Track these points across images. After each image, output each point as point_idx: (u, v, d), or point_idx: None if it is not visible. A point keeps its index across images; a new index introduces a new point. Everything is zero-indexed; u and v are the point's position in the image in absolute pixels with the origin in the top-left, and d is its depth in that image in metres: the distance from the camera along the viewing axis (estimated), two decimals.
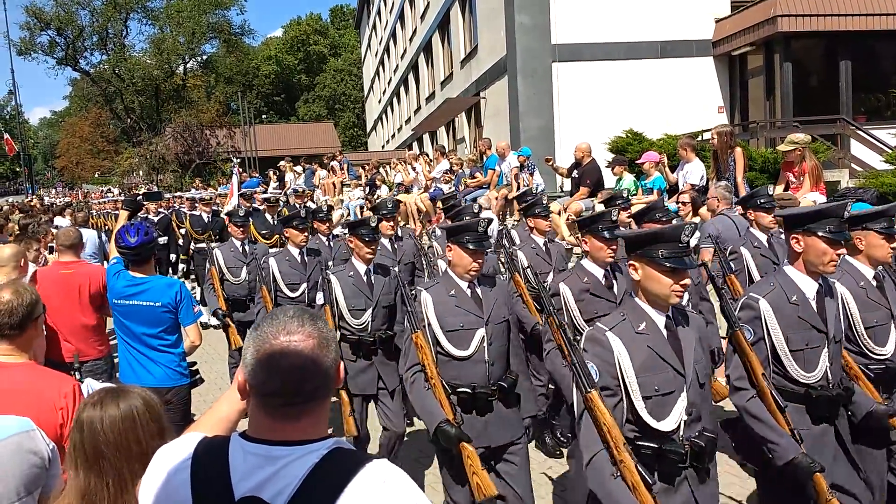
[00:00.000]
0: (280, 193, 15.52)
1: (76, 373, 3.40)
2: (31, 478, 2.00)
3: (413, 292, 3.51)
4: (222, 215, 10.89)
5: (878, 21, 13.35)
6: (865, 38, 13.71)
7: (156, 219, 12.52)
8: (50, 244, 6.71)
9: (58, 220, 12.03)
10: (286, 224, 5.70)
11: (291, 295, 5.42)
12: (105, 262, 9.53)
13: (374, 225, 4.49)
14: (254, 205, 11.61)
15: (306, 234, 5.71)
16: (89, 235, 9.15)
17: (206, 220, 11.04)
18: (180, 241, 13.14)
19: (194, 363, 4.36)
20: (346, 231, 7.13)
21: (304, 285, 5.49)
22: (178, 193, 20.31)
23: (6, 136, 37.60)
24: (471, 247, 3.28)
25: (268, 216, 10.18)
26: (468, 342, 3.31)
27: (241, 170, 16.46)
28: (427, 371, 3.22)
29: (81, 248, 5.06)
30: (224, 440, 1.38)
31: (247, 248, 6.59)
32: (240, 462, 1.32)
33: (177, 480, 1.35)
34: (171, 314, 4.14)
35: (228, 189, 13.83)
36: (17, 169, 60.36)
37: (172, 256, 13.27)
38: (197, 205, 12.95)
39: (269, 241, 9.23)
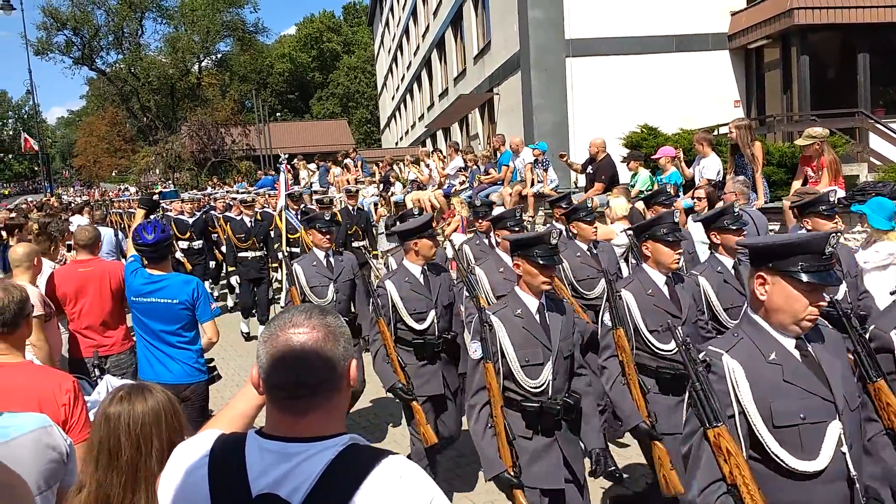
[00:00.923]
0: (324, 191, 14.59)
1: (96, 369, 3.44)
2: (49, 472, 2.02)
3: (705, 357, 2.13)
4: (279, 217, 9.67)
5: None
6: (884, 30, 13.52)
7: (191, 220, 11.21)
8: (68, 242, 6.80)
9: (76, 219, 12.12)
10: (416, 234, 4.32)
11: (418, 327, 4.27)
12: (122, 259, 9.66)
13: (553, 243, 3.13)
14: (303, 207, 10.54)
15: (437, 246, 4.50)
16: (105, 233, 9.25)
17: (250, 225, 9.72)
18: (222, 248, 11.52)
19: (212, 359, 4.41)
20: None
21: (433, 313, 4.31)
22: (210, 191, 18.71)
23: (24, 134, 38.03)
24: (805, 279, 2.04)
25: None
26: (817, 446, 1.99)
27: (289, 166, 14.58)
28: (745, 496, 1.92)
29: (98, 247, 5.13)
30: (241, 437, 1.39)
31: (332, 260, 5.31)
32: (256, 459, 1.33)
33: (195, 477, 1.36)
34: (189, 311, 4.18)
35: (276, 189, 12.20)
36: (36, 168, 61.04)
37: (212, 263, 11.77)
38: (232, 205, 11.65)
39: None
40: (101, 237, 5.33)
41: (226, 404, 1.74)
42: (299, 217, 9.33)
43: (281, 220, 9.13)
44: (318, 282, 5.17)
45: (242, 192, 14.29)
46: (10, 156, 76.27)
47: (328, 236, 5.32)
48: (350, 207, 10.30)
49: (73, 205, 19.17)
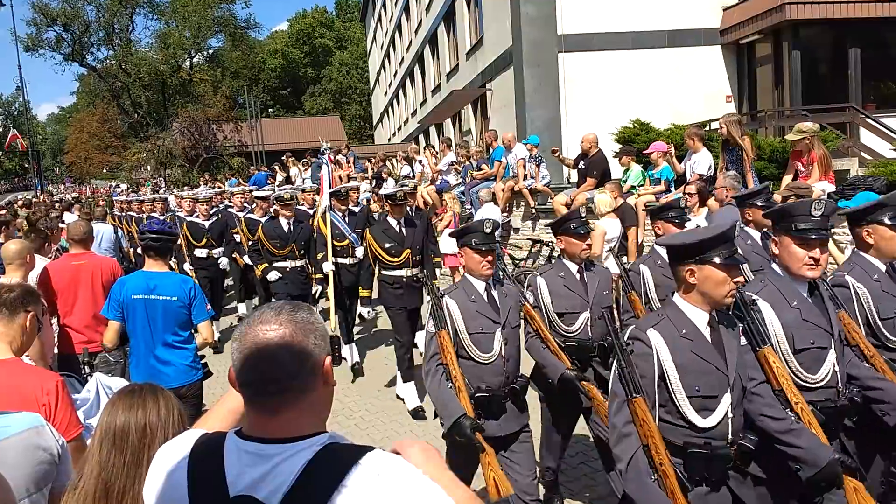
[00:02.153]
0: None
1: (86, 367, 3.44)
2: (40, 474, 1.99)
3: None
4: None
5: (887, 8, 13.21)
6: (875, 26, 13.58)
7: (207, 223, 9.37)
8: (63, 244, 6.80)
9: (66, 216, 12.07)
10: (694, 254, 2.50)
11: (703, 423, 2.45)
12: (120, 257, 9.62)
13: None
14: (350, 207, 8.53)
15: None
16: (105, 230, 9.26)
17: (287, 229, 7.80)
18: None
19: (203, 356, 4.42)
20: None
21: (727, 400, 2.47)
22: (221, 188, 15.73)
23: (13, 131, 37.80)
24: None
25: (391, 220, 6.59)
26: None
27: (334, 157, 12.17)
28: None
29: (91, 241, 5.18)
30: (220, 437, 1.39)
31: (494, 293, 3.52)
32: (234, 460, 1.32)
33: (176, 478, 1.36)
34: (186, 310, 4.19)
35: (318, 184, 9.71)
36: (26, 165, 60.72)
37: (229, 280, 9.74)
38: (255, 204, 10.03)
39: (397, 259, 6.41)
40: (94, 232, 5.37)
41: (217, 401, 1.74)
42: (346, 220, 7.79)
43: (325, 223, 7.57)
44: (479, 326, 3.42)
45: (267, 190, 11.64)
46: (0, 153, 75.83)
47: (488, 257, 3.44)
48: (408, 208, 8.12)
49: (62, 202, 19.00)
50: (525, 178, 10.29)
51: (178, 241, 8.67)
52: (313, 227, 8.10)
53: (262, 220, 8.72)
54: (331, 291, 7.36)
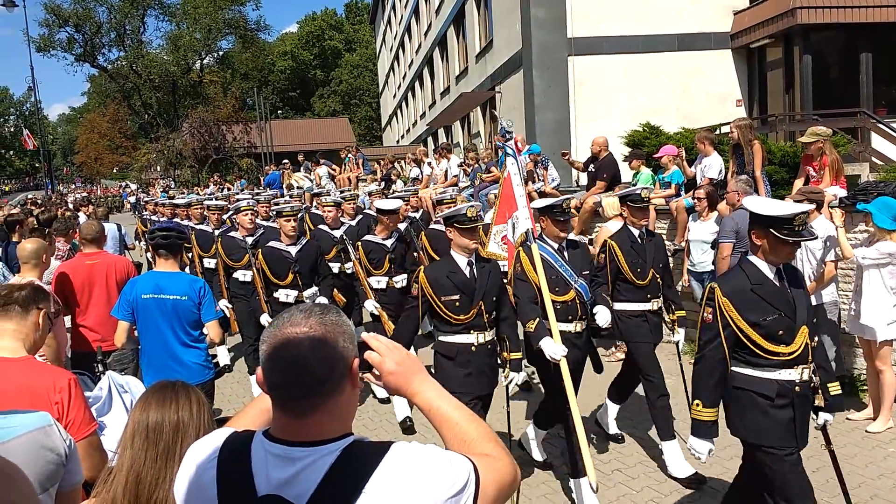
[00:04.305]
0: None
1: (100, 364, 3.46)
2: (46, 475, 1.96)
3: None
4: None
5: None
6: (886, 30, 13.51)
7: (294, 250, 5.69)
8: (74, 241, 6.85)
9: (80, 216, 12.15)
10: None
11: None
12: (126, 253, 9.68)
13: None
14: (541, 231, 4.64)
15: None
16: (109, 229, 9.32)
17: (469, 276, 4.05)
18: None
19: (214, 355, 4.44)
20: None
21: None
22: (300, 185, 13.05)
23: (26, 131, 38.08)
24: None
25: (633, 229, 4.88)
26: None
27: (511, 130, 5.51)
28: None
29: (104, 241, 5.24)
30: (248, 437, 1.39)
31: None
32: (261, 461, 1.33)
33: (205, 477, 1.37)
34: (196, 309, 4.21)
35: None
36: (37, 164, 61.14)
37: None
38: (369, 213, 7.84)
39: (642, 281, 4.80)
40: (105, 231, 5.43)
41: (252, 400, 1.74)
42: (566, 256, 4.38)
43: (533, 264, 4.19)
44: None
45: (397, 199, 7.53)
46: (12, 152, 76.44)
47: None
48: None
49: (74, 202, 19.00)
50: (533, 181, 10.29)
51: (190, 253, 7.58)
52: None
53: (388, 243, 6.05)
54: (569, 387, 4.02)
